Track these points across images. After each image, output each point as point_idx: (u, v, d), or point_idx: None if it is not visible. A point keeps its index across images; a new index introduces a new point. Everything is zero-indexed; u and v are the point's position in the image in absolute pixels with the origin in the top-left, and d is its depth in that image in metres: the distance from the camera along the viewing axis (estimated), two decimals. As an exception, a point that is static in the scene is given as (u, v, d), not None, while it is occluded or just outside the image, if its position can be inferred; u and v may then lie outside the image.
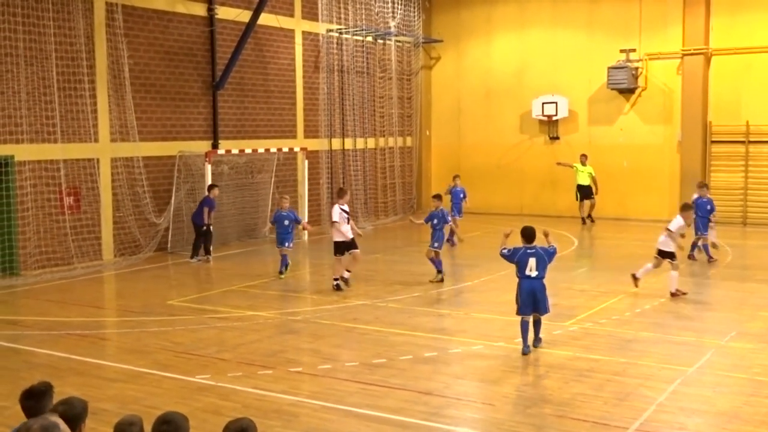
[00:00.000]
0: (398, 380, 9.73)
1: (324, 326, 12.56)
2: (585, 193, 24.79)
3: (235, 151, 20.98)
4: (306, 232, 22.28)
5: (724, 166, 24.60)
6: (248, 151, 21.30)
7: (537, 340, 11.04)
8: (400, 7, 26.67)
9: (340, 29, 24.69)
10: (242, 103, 22.14)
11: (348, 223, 15.22)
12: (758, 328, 12.20)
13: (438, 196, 17.03)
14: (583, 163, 24.77)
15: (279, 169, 22.89)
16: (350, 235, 15.25)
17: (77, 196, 17.97)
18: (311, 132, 24.33)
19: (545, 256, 10.84)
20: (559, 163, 25.32)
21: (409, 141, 28.46)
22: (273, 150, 22.02)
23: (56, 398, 5.49)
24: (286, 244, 16.54)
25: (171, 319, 13.10)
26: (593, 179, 24.72)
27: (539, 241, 11.00)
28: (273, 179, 22.67)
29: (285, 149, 22.50)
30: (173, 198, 19.95)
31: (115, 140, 18.67)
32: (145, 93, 19.49)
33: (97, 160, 18.34)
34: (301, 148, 22.89)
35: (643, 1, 25.15)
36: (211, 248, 19.11)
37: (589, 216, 24.90)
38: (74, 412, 5.25)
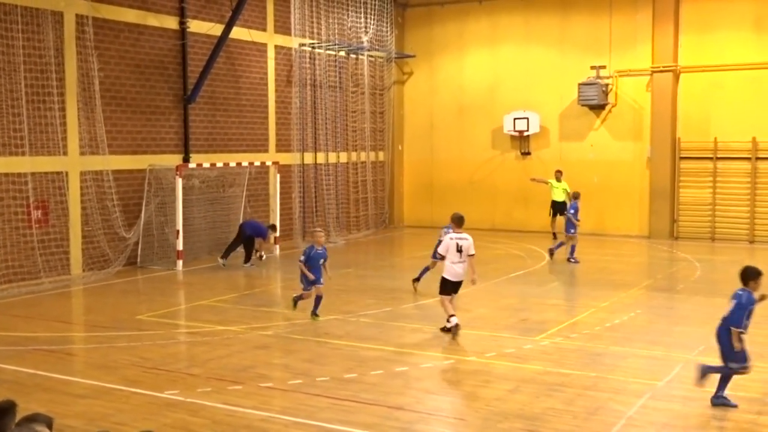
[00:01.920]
0: (369, 395, 9.69)
1: (295, 341, 12.49)
2: (558, 209, 24.77)
3: (206, 164, 20.86)
4: (276, 246, 22.23)
5: (692, 182, 24.89)
6: (220, 164, 21.19)
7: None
8: (372, 21, 26.75)
9: (313, 43, 24.71)
10: (214, 116, 22.05)
11: (461, 258, 12.67)
12: (726, 343, 12.29)
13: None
14: (558, 179, 24.74)
15: (251, 183, 22.80)
16: (461, 276, 12.81)
17: (45, 210, 17.75)
18: (283, 146, 24.27)
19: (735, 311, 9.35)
20: (533, 179, 25.34)
21: (381, 156, 28.50)
22: (245, 164, 21.94)
23: (22, 414, 5.39)
24: (321, 281, 13.97)
25: (140, 334, 12.95)
26: (568, 195, 24.67)
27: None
28: (245, 193, 22.57)
29: (257, 163, 22.42)
30: (143, 212, 19.78)
31: (85, 153, 18.48)
32: (116, 106, 19.34)
33: (66, 173, 18.13)
34: (273, 162, 22.82)
35: (614, 19, 25.46)
36: (229, 255, 20.00)
37: (554, 234, 24.72)
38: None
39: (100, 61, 18.70)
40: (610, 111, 25.84)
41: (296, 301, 14.24)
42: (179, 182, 19.41)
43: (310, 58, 24.88)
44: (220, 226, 21.99)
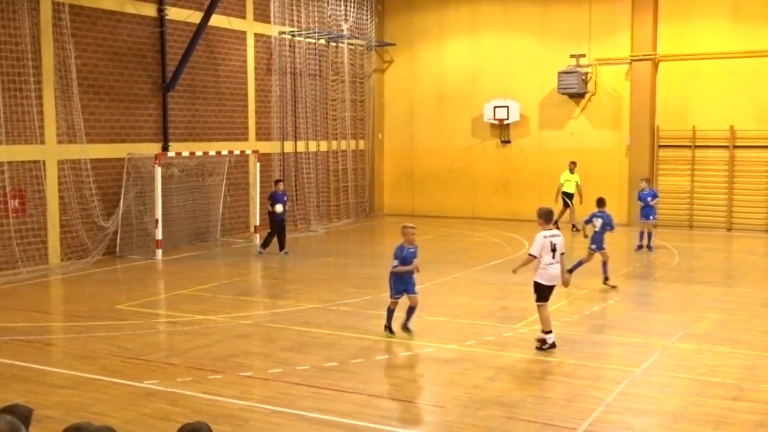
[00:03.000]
0: (349, 383, 9.70)
1: (275, 330, 12.48)
2: (569, 200, 23.95)
3: (185, 153, 20.74)
4: (257, 235, 22.17)
5: (671, 170, 25.05)
6: (199, 153, 21.08)
7: None
8: (352, 10, 26.66)
9: (293, 31, 24.59)
10: (193, 104, 21.91)
11: (554, 258, 11.14)
12: (703, 330, 12.44)
13: (601, 201, 16.53)
14: (572, 171, 24.03)
15: (230, 171, 22.70)
16: (556, 279, 11.31)
17: (22, 199, 17.59)
18: (263, 134, 24.18)
19: None
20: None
21: (361, 144, 28.46)
22: (224, 152, 21.84)
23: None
24: (415, 289, 11.96)
25: (119, 323, 12.89)
26: (578, 188, 24.05)
27: None
28: (224, 182, 22.48)
29: (237, 152, 22.33)
30: (122, 201, 19.65)
31: (62, 142, 18.32)
32: (93, 94, 19.18)
33: (44, 162, 17.97)
34: (253, 151, 22.74)
35: (593, 8, 25.52)
36: (285, 243, 19.96)
37: (555, 222, 24.21)
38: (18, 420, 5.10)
39: (77, 48, 18.53)
40: (589, 99, 25.94)
41: (390, 316, 11.99)
42: (158, 171, 19.30)
43: (289, 46, 24.77)
44: (199, 215, 21.91)
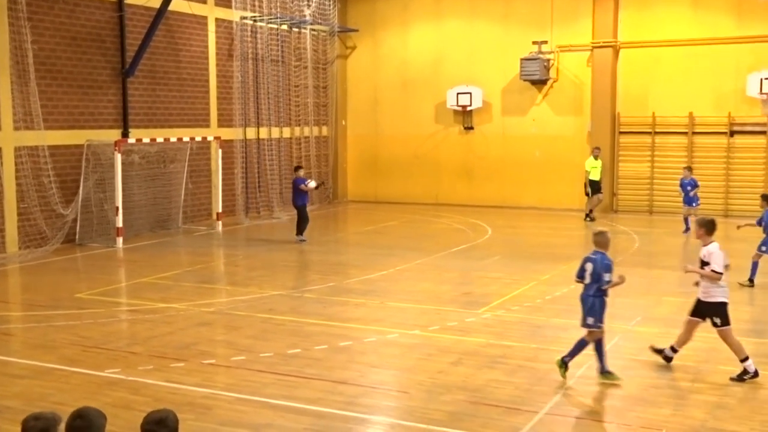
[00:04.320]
0: (313, 370, 9.70)
1: (238, 317, 12.42)
2: (597, 187, 23.66)
3: (146, 140, 20.49)
4: (219, 222, 22.03)
5: (631, 156, 25.33)
6: (160, 140, 20.83)
7: None
8: (315, -5, 26.50)
9: (255, 17, 24.37)
10: (153, 90, 21.64)
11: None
12: (663, 313, 12.62)
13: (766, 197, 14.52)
14: (596, 157, 23.70)
15: (192, 158, 22.48)
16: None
17: (-21, 187, 17.26)
18: (225, 121, 23.97)
19: None
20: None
21: (324, 130, 28.36)
22: (186, 139, 21.62)
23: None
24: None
25: (79, 312, 12.73)
26: (602, 174, 23.84)
27: None
28: (186, 169, 22.27)
29: (198, 138, 22.12)
30: (81, 188, 19.37)
31: (19, 128, 17.98)
32: (51, 80, 18.84)
33: (0, 149, 17.64)
34: (215, 138, 22.55)
35: (555, -6, 25.66)
36: (304, 231, 19.71)
37: (591, 211, 23.65)
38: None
39: (34, 33, 18.16)
40: (551, 86, 26.09)
41: (567, 360, 9.38)
42: (118, 158, 19.05)
43: (251, 31, 24.55)
44: (160, 202, 21.67)
